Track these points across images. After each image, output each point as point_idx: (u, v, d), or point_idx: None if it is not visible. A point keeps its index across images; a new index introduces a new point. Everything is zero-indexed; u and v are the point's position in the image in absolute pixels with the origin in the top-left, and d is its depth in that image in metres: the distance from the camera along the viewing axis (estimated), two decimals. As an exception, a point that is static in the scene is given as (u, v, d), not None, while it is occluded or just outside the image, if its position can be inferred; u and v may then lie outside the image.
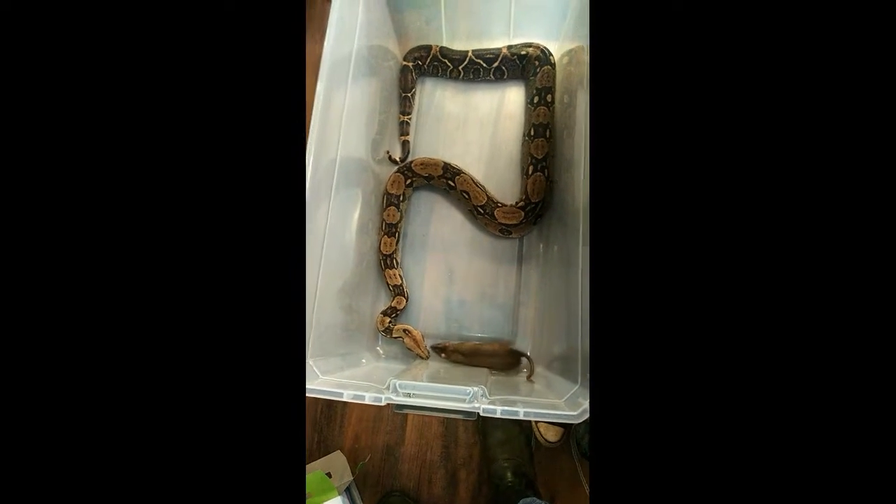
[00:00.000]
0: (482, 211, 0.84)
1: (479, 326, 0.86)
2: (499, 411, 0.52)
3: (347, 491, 0.78)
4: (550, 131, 0.85)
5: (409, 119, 0.93)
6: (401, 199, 0.86)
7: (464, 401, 0.54)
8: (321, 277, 0.65)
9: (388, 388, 0.56)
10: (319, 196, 0.65)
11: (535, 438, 0.81)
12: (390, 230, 0.86)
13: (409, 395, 0.55)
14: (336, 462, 0.83)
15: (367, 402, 0.54)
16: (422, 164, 0.86)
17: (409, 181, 0.87)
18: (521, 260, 0.88)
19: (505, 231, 0.85)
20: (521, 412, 0.52)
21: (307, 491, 0.75)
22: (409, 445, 0.85)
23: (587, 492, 0.78)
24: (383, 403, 0.54)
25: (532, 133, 0.85)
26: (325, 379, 0.59)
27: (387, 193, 0.86)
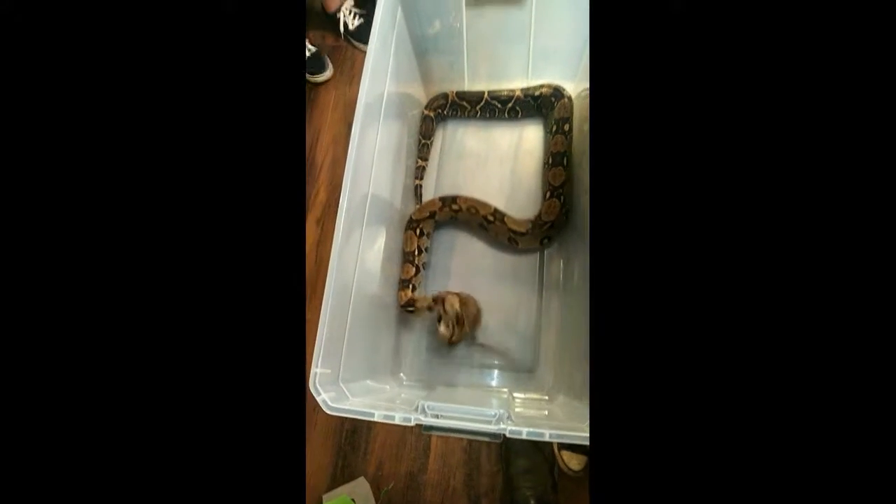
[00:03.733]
0: (492, 219, 0.88)
1: (500, 355, 0.88)
2: (524, 433, 0.54)
3: (372, 518, 0.79)
4: (567, 159, 0.89)
5: (426, 165, 0.98)
6: (420, 244, 0.90)
7: (489, 422, 0.56)
8: (352, 304, 0.69)
9: (416, 409, 0.58)
10: (352, 226, 0.70)
11: (559, 467, 0.81)
12: (408, 257, 0.90)
13: (437, 417, 0.57)
14: (360, 489, 0.84)
15: (397, 422, 0.56)
16: (418, 211, 0.91)
17: (417, 230, 0.90)
18: (541, 287, 0.90)
19: (513, 240, 0.88)
20: (546, 434, 0.54)
21: (333, 516, 0.76)
22: (431, 473, 0.86)
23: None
24: (412, 424, 0.56)
25: (550, 161, 0.89)
26: (355, 400, 0.62)
27: (405, 251, 0.90)
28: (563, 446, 0.81)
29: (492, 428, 0.55)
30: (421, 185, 0.97)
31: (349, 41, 1.17)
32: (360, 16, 1.13)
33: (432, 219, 0.91)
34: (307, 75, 1.13)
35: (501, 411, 0.56)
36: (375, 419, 0.56)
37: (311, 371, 0.58)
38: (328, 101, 1.12)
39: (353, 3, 1.13)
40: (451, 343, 0.81)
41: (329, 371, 0.61)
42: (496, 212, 0.88)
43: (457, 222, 0.95)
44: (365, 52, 1.17)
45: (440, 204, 0.90)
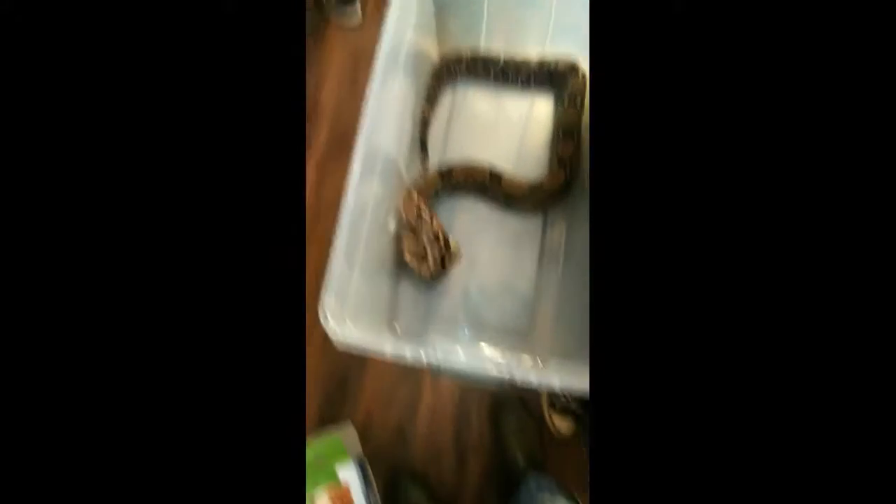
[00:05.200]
0: (489, 181, 0.89)
1: (498, 315, 0.89)
2: (535, 381, 0.55)
3: (359, 463, 0.79)
4: (578, 134, 0.90)
5: (432, 114, 0.97)
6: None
7: (500, 366, 0.57)
8: (363, 245, 0.68)
9: (429, 349, 0.58)
10: (364, 170, 0.69)
11: (548, 430, 0.84)
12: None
13: (447, 357, 0.57)
14: (347, 434, 0.84)
15: (407, 358, 0.56)
16: (423, 186, 0.89)
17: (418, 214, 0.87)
18: (542, 254, 0.92)
19: (508, 202, 0.90)
20: (556, 379, 0.56)
21: (321, 453, 0.76)
22: (420, 425, 0.87)
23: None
24: (423, 361, 0.56)
25: (561, 134, 0.90)
26: (363, 336, 0.61)
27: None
28: (553, 409, 0.83)
29: (502, 374, 0.56)
30: (426, 136, 0.96)
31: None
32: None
33: (436, 196, 0.91)
34: (338, 18, 1.10)
35: (511, 359, 0.57)
36: (387, 354, 0.56)
37: (321, 299, 0.57)
38: (335, 45, 1.09)
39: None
40: (430, 272, 0.82)
41: (338, 302, 0.61)
42: (493, 174, 0.89)
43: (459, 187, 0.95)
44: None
45: (440, 179, 0.90)
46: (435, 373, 0.58)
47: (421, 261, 0.83)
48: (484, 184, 0.89)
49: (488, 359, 0.58)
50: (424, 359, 0.57)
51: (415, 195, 0.85)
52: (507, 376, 0.56)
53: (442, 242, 0.81)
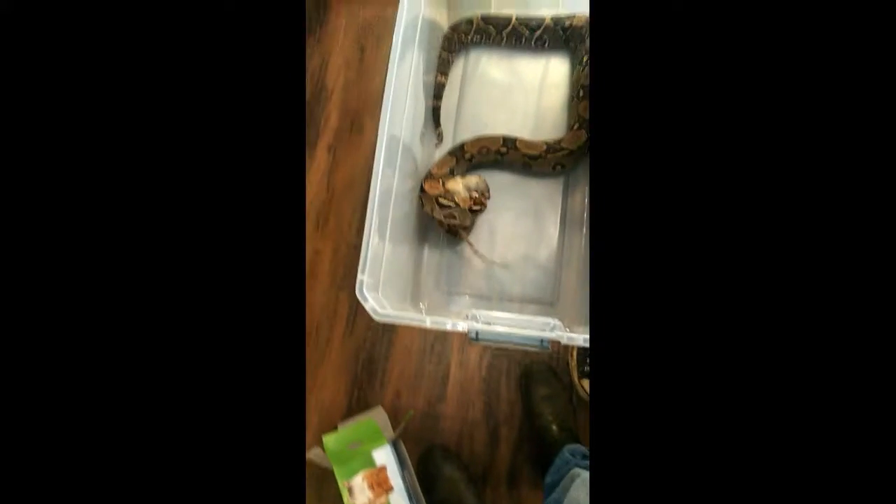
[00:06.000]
0: (504, 149, 0.86)
1: (521, 287, 0.87)
2: (581, 339, 0.54)
3: (393, 444, 0.77)
4: (599, 95, 0.87)
5: (445, 81, 0.94)
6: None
7: (545, 329, 0.55)
8: (390, 228, 0.66)
9: (466, 318, 0.56)
10: (392, 153, 0.66)
11: (578, 395, 0.82)
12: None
13: (488, 325, 0.55)
14: (378, 418, 0.82)
15: (448, 328, 0.54)
16: (437, 167, 0.86)
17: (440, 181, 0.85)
18: (564, 221, 0.89)
19: (527, 164, 0.87)
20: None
21: (357, 438, 0.75)
22: (450, 402, 0.85)
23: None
24: (465, 330, 0.54)
25: (581, 94, 0.87)
26: (397, 314, 0.59)
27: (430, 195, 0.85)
28: (582, 374, 0.82)
29: (548, 335, 0.54)
30: (440, 107, 0.93)
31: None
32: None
33: (451, 174, 0.87)
34: None
35: (555, 320, 0.55)
36: (428, 326, 0.54)
37: (358, 279, 0.55)
38: (339, 23, 1.05)
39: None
40: (462, 227, 0.83)
41: (372, 281, 0.59)
42: (506, 140, 0.86)
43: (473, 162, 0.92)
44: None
45: (453, 160, 0.87)
46: (474, 339, 0.55)
47: (456, 221, 0.83)
48: (499, 151, 0.86)
49: (529, 322, 0.56)
50: (463, 327, 0.54)
51: (434, 174, 0.83)
52: (551, 336, 0.54)
53: (473, 191, 0.82)
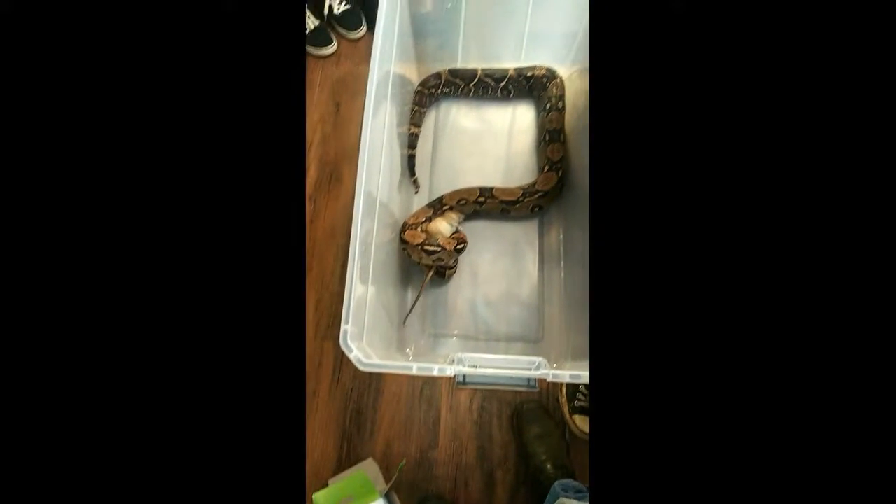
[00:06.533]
0: (482, 199, 0.89)
1: (507, 325, 0.88)
2: (567, 376, 0.54)
3: (386, 496, 0.75)
4: (564, 136, 0.92)
5: (419, 132, 0.98)
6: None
7: (530, 369, 0.55)
8: (372, 274, 0.67)
9: (451, 361, 0.57)
10: (367, 204, 0.68)
11: (571, 432, 0.82)
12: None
13: (475, 367, 0.56)
14: (369, 470, 0.80)
15: (435, 374, 0.55)
16: (413, 217, 0.88)
17: (418, 228, 0.87)
18: (542, 258, 0.92)
19: (505, 210, 0.90)
20: (583, 375, 0.55)
21: (348, 493, 0.73)
22: (442, 449, 0.84)
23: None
24: (452, 375, 0.55)
25: (547, 138, 0.92)
26: (383, 363, 0.59)
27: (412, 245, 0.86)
28: (574, 410, 0.82)
29: (533, 374, 0.55)
30: (414, 156, 0.96)
31: (332, 25, 1.16)
32: (347, 2, 1.12)
33: (428, 222, 0.89)
34: (312, 48, 1.11)
35: (540, 359, 0.56)
36: (414, 372, 0.55)
37: (342, 328, 0.56)
38: (315, 79, 1.09)
39: (340, -15, 1.11)
40: (447, 267, 0.86)
41: (356, 330, 0.59)
42: (483, 190, 0.89)
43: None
44: (347, 39, 1.17)
45: (430, 211, 0.90)
46: (462, 385, 0.56)
47: (444, 262, 0.85)
48: (477, 201, 0.89)
49: (515, 361, 0.57)
50: (451, 373, 0.55)
51: (411, 224, 0.85)
52: (536, 375, 0.55)
53: (454, 229, 0.86)
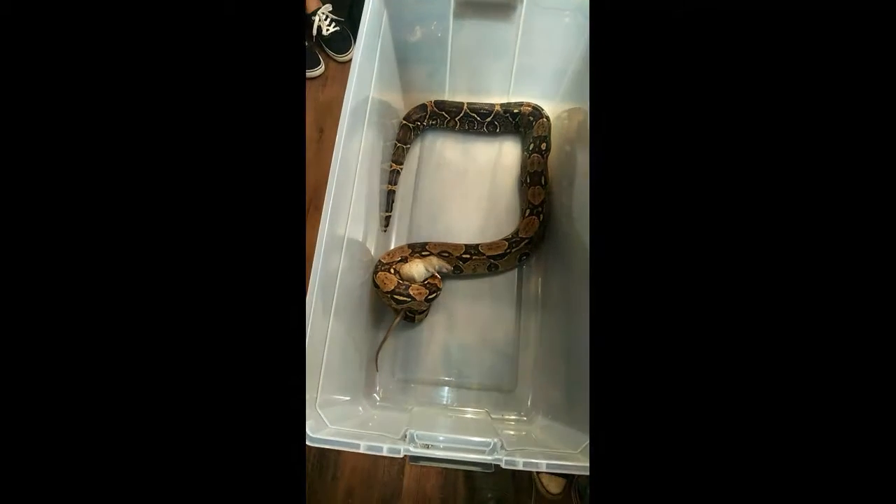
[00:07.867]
0: (467, 256, 0.85)
1: (479, 372, 0.86)
2: (521, 463, 0.52)
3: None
4: (545, 179, 0.89)
5: (400, 169, 0.95)
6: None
7: (483, 452, 0.53)
8: (333, 320, 0.64)
9: (404, 438, 0.54)
10: (332, 242, 0.65)
11: (537, 490, 0.80)
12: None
13: (427, 447, 0.53)
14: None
15: (385, 453, 0.52)
16: (388, 255, 0.85)
17: (391, 270, 0.84)
18: (519, 305, 0.89)
19: (493, 266, 0.87)
20: (542, 464, 0.52)
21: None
22: (406, 499, 0.81)
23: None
24: (401, 455, 0.52)
25: (528, 180, 0.89)
26: (335, 429, 0.57)
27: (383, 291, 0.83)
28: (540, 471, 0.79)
29: (487, 458, 0.52)
30: (394, 192, 0.93)
31: (320, 46, 1.12)
32: (337, 23, 1.09)
33: (404, 262, 0.86)
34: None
35: (496, 440, 0.54)
36: (361, 451, 0.52)
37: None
38: (299, 104, 1.06)
39: (330, 8, 1.08)
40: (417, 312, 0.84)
41: (313, 395, 0.57)
42: (468, 247, 0.86)
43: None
44: (335, 61, 1.13)
45: (409, 251, 0.87)
46: (415, 463, 0.53)
47: (412, 310, 0.82)
48: (461, 258, 0.86)
49: (469, 442, 0.54)
50: (402, 453, 0.52)
51: (384, 262, 0.82)
52: (489, 460, 0.52)
53: (428, 277, 0.84)
